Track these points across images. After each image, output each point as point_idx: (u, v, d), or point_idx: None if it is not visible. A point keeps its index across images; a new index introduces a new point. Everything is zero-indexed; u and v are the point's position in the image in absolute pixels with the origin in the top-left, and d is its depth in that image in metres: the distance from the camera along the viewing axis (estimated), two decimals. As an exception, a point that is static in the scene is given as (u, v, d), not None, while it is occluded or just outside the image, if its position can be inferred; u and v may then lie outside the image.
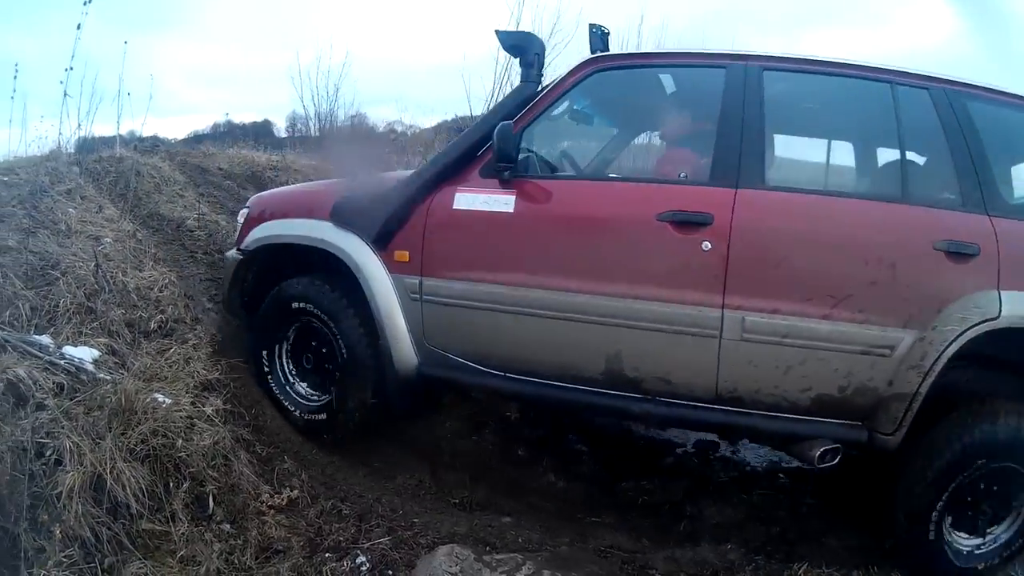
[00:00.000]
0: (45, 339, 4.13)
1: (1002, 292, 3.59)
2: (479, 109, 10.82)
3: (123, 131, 7.54)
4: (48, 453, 3.42)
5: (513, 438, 5.34)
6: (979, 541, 3.92)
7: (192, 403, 4.10)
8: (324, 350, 4.76)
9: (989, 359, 3.88)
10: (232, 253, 5.14)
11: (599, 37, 4.75)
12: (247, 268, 5.03)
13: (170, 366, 4.39)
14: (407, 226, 4.42)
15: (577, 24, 10.89)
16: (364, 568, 3.63)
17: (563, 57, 11.05)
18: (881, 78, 4.01)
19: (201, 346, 4.77)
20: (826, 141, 4.96)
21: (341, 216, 4.56)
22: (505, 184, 4.22)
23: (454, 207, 4.33)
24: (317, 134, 14.91)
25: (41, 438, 3.45)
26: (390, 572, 3.64)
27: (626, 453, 5.43)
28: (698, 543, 4.29)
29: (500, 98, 10.39)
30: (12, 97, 6.51)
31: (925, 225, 3.74)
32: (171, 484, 3.66)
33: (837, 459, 3.86)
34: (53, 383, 3.76)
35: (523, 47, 4.54)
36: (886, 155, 4.47)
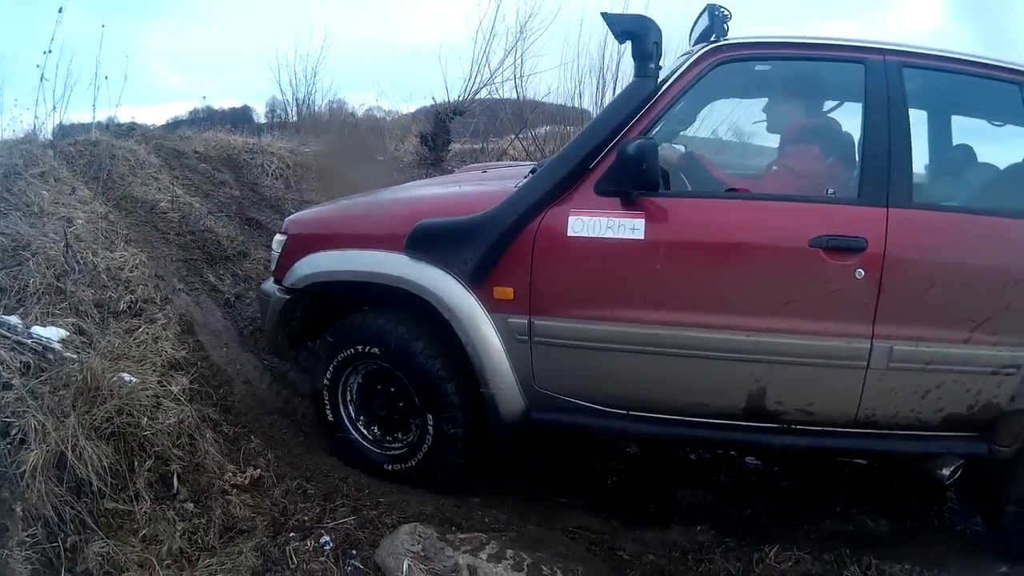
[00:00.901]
0: (14, 319, 4.12)
1: None
2: (456, 93, 10.65)
3: (102, 118, 7.58)
4: (13, 432, 3.40)
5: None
6: None
7: (159, 382, 4.09)
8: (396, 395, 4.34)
9: None
10: (272, 287, 4.55)
11: (720, 19, 4.08)
12: (294, 306, 4.47)
13: (138, 345, 4.38)
14: (509, 257, 3.84)
15: (558, 9, 10.56)
16: (328, 547, 3.61)
17: (538, 44, 10.76)
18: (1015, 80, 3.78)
19: (170, 326, 4.75)
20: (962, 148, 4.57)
21: (421, 246, 3.96)
22: (630, 205, 3.70)
23: (569, 234, 3.76)
24: (295, 119, 14.87)
25: (7, 417, 3.44)
26: (354, 551, 3.62)
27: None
28: (668, 525, 4.32)
29: (477, 82, 10.50)
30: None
31: None
32: (135, 463, 3.64)
33: (959, 473, 3.80)
34: (20, 362, 3.75)
35: (639, 34, 3.74)
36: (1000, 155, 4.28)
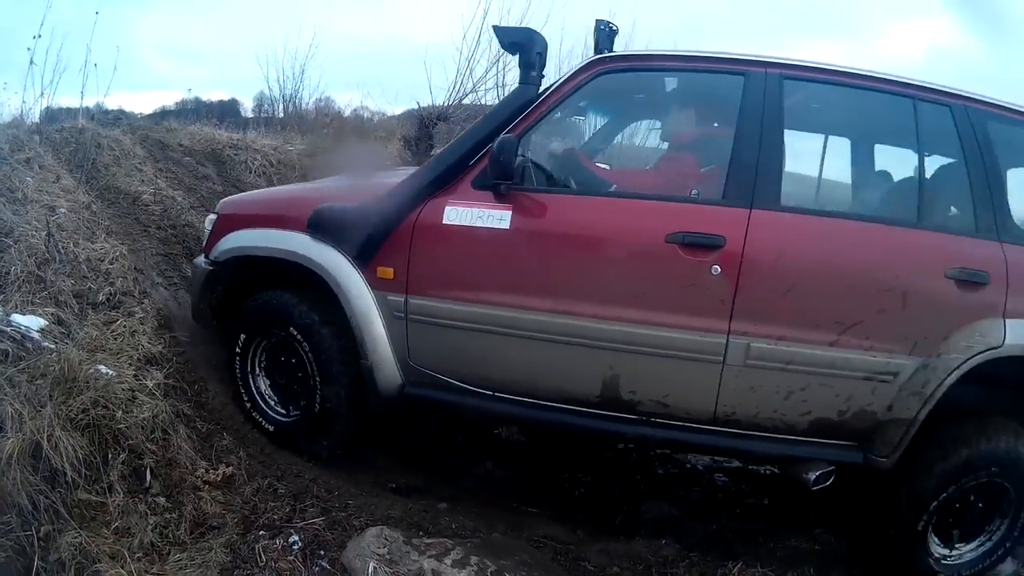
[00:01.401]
0: (-8, 307, 4.15)
1: (1007, 320, 3.64)
2: (441, 99, 10.71)
3: (90, 103, 7.53)
4: (-10, 419, 3.43)
5: (453, 425, 5.44)
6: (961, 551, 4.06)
7: (135, 376, 4.11)
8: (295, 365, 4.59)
9: (987, 377, 3.81)
10: (201, 261, 4.86)
11: (606, 35, 4.47)
12: (216, 278, 4.76)
13: (115, 338, 4.39)
14: (392, 241, 4.15)
15: (547, 18, 10.64)
16: (296, 547, 3.66)
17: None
18: (905, 93, 3.94)
19: (147, 320, 4.76)
20: (840, 156, 4.88)
21: (319, 228, 4.28)
22: (500, 198, 3.98)
23: (444, 222, 4.06)
24: (282, 116, 14.80)
25: None
26: (322, 552, 3.67)
27: (567, 445, 5.48)
28: (633, 537, 4.39)
29: (461, 91, 10.56)
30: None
31: (938, 252, 3.73)
32: (109, 455, 3.67)
33: (831, 480, 3.88)
34: (-2, 350, 3.77)
35: (524, 45, 4.15)
36: (901, 175, 4.43)
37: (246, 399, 4.72)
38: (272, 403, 4.73)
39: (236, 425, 4.61)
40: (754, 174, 3.77)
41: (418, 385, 4.30)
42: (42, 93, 6.78)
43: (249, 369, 4.70)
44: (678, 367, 3.82)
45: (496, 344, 4.06)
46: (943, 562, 4.00)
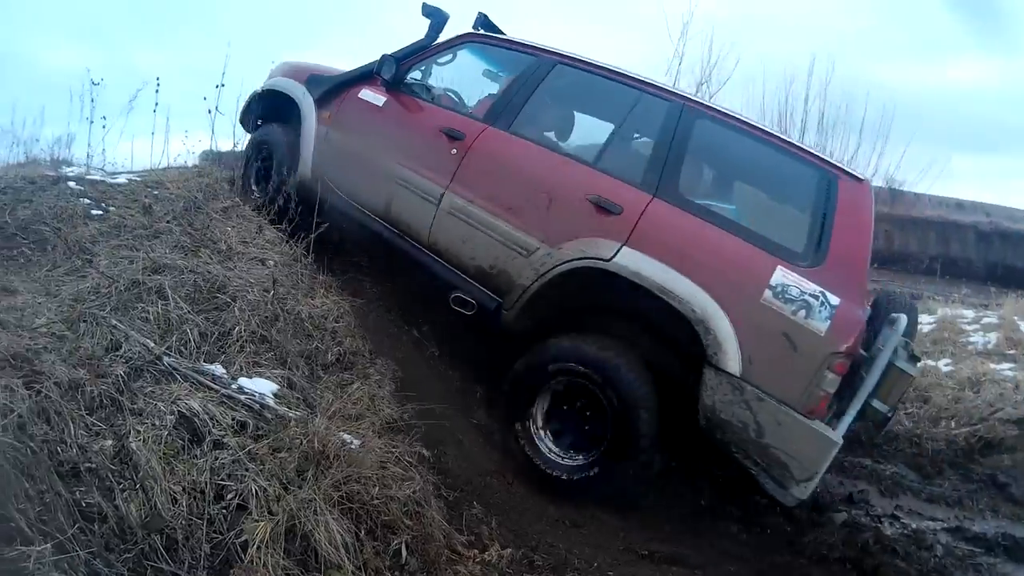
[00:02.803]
0: (218, 368, 3.90)
1: (624, 247, 4.62)
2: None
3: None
4: (229, 497, 3.18)
5: (697, 489, 5.29)
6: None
7: (383, 446, 3.84)
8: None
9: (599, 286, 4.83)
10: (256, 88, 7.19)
11: (481, 21, 6.55)
12: (259, 99, 7.08)
13: (354, 403, 4.14)
14: (335, 100, 6.38)
15: (736, 63, 11.07)
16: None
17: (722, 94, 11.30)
18: (635, 87, 5.34)
19: (384, 383, 4.55)
20: (587, 116, 6.38)
21: (309, 84, 6.58)
22: (386, 90, 6.09)
23: (359, 96, 6.24)
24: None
25: (222, 480, 3.22)
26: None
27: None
28: None
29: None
30: (155, 110, 7.03)
31: (594, 183, 4.93)
32: (361, 532, 3.38)
33: (471, 312, 5.14)
34: (233, 419, 3.52)
35: (435, 15, 6.16)
36: (606, 134, 5.53)
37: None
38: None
39: (479, 490, 4.34)
40: (503, 108, 5.60)
41: (315, 181, 6.10)
42: (235, 144, 7.60)
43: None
44: (420, 202, 5.52)
45: (357, 166, 6.07)
46: (557, 461, 4.79)
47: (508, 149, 5.34)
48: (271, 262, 5.15)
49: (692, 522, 4.94)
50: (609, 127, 5.57)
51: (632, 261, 4.55)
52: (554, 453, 4.80)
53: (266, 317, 4.42)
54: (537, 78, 5.59)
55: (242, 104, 7.22)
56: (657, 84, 5.33)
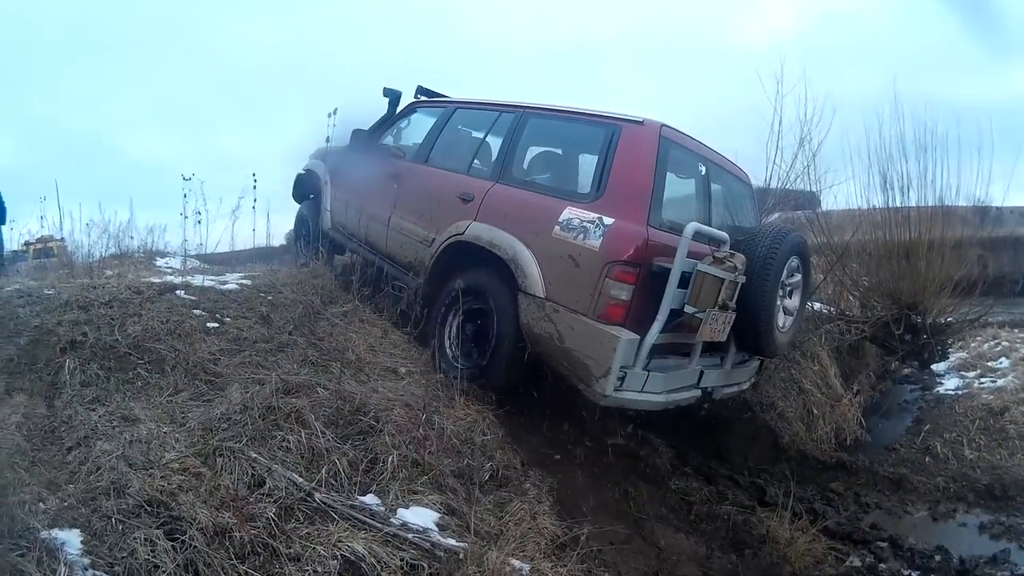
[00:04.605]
0: (372, 500, 3.54)
1: (473, 222, 5.68)
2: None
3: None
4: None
5: None
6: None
7: (552, 568, 3.47)
8: None
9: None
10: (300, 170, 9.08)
11: (422, 91, 7.90)
12: (301, 179, 8.92)
13: (516, 524, 3.76)
14: (338, 168, 8.02)
15: (833, 115, 10.67)
16: None
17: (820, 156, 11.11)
18: (498, 109, 6.48)
19: (542, 496, 4.18)
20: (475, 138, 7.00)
21: (325, 160, 8.23)
22: (364, 154, 7.46)
23: (350, 162, 7.66)
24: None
25: None
26: None
27: None
28: None
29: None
30: (253, 207, 7.44)
31: (460, 184, 6.07)
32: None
33: (405, 292, 6.36)
34: (401, 560, 3.14)
35: (394, 96, 7.62)
36: (474, 147, 6.65)
37: None
38: None
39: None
40: (423, 148, 6.95)
41: (333, 229, 7.83)
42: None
43: None
44: (380, 227, 6.90)
45: (353, 212, 7.41)
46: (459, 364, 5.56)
47: (420, 177, 6.72)
48: (403, 371, 4.82)
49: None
50: (478, 141, 6.72)
51: (474, 229, 5.68)
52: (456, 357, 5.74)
53: (415, 438, 4.07)
54: (444, 121, 7.03)
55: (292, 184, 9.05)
56: (511, 103, 6.48)
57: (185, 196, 7.09)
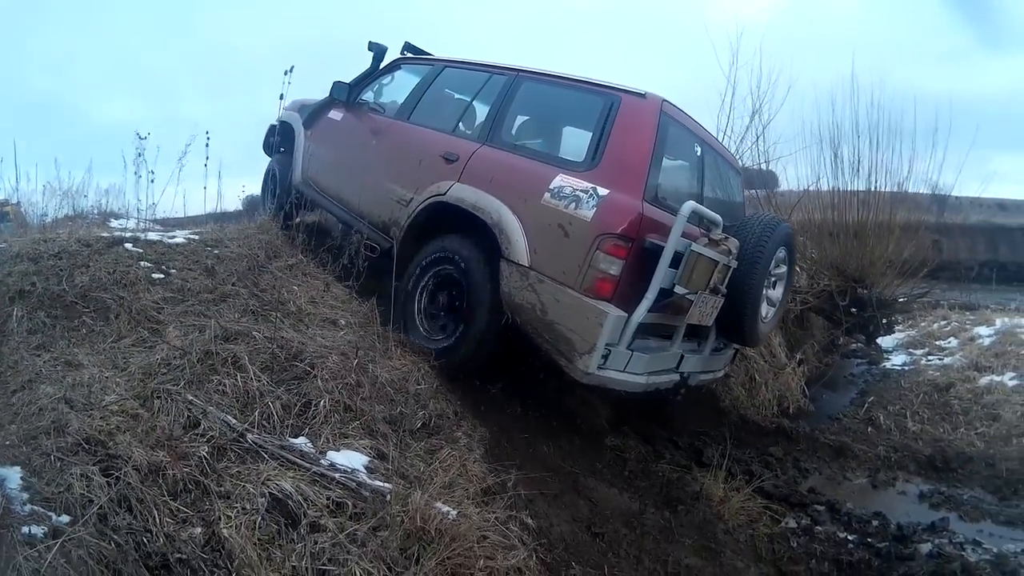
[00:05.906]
0: (303, 443, 3.69)
1: (456, 183, 5.62)
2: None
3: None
4: (331, 582, 2.96)
5: None
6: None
7: (479, 514, 3.61)
8: None
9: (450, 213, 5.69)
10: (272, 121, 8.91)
11: (409, 47, 8.00)
12: (274, 130, 8.77)
13: (444, 470, 3.91)
14: (315, 121, 7.87)
15: (787, 92, 10.99)
16: None
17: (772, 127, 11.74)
18: (489, 71, 6.39)
19: (473, 446, 4.32)
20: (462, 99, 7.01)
21: (301, 112, 8.08)
22: (343, 108, 7.51)
23: (328, 116, 7.69)
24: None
25: (323, 565, 3.00)
26: None
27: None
28: None
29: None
30: (205, 164, 7.07)
31: (444, 144, 5.99)
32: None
33: (376, 254, 6.21)
34: (328, 499, 3.30)
35: (379, 50, 7.53)
36: (462, 107, 6.66)
37: None
38: None
39: (576, 549, 4.08)
40: (407, 105, 6.85)
41: (303, 184, 7.72)
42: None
43: None
44: (357, 183, 6.83)
45: (326, 169, 7.53)
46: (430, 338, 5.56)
47: (402, 134, 6.64)
48: (343, 322, 4.97)
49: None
50: (466, 102, 6.69)
51: (457, 191, 5.58)
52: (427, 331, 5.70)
53: (348, 384, 4.20)
54: (431, 79, 6.93)
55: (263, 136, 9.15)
56: (503, 65, 6.36)
57: (140, 155, 6.89)
